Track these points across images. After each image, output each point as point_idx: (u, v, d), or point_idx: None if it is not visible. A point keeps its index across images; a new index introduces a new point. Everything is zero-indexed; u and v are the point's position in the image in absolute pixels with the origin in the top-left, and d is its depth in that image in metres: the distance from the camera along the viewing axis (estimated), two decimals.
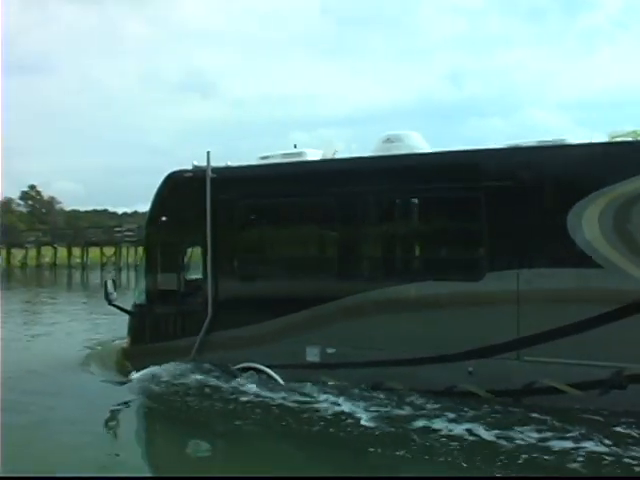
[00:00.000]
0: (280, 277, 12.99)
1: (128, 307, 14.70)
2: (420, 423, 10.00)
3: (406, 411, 10.49)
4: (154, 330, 14.18)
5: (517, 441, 9.20)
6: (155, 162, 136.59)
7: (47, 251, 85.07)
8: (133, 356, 14.16)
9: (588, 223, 10.08)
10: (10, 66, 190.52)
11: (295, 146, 13.70)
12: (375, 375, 11.61)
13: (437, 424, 9.91)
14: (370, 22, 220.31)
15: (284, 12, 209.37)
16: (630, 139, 10.48)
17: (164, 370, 12.93)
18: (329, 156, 13.09)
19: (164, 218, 14.46)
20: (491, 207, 10.88)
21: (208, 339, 13.16)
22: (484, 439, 9.39)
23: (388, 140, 12.54)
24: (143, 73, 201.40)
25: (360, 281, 12.08)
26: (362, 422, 10.22)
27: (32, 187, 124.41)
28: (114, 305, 14.67)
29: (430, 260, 12.18)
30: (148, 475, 8.66)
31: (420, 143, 12.45)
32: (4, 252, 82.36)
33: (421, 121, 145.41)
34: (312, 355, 12.22)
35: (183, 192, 14.13)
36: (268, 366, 12.49)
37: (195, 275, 14.08)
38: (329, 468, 9.17)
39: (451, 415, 10.17)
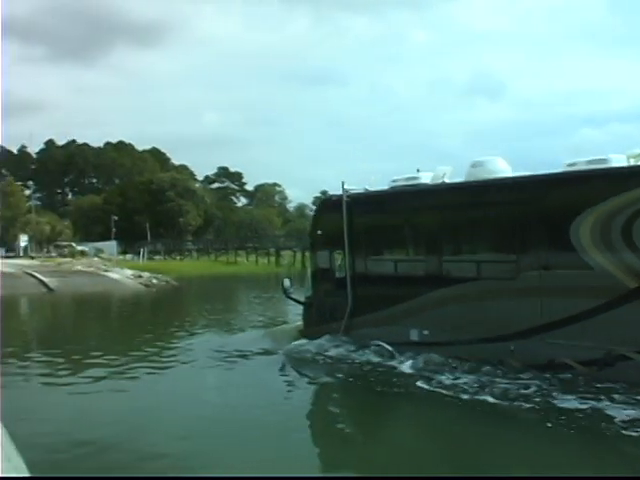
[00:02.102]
0: (393, 276, 18.29)
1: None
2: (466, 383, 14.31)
3: (468, 379, 14.52)
4: (317, 316, 20.00)
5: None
6: (443, 166, 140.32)
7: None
8: (306, 334, 19.83)
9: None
10: (304, 78, 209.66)
11: (418, 170, 18.28)
12: (453, 350, 15.78)
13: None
14: None
15: (566, 7, 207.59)
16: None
17: (320, 342, 18.45)
18: (439, 179, 17.29)
19: (319, 231, 20.57)
20: (523, 224, 15.02)
21: (349, 322, 18.69)
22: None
23: (474, 165, 16.80)
24: (430, 78, 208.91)
25: (442, 280, 16.63)
26: (419, 383, 14.67)
27: (324, 193, 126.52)
28: (290, 297, 21.66)
29: (487, 264, 15.97)
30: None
31: (501, 167, 16.47)
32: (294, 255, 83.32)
33: None
34: (414, 335, 17.00)
35: (330, 212, 19.95)
36: (387, 343, 17.20)
37: (341, 274, 19.40)
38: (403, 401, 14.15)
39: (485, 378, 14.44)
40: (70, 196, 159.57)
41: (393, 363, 16.39)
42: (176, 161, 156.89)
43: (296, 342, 19.30)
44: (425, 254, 17.55)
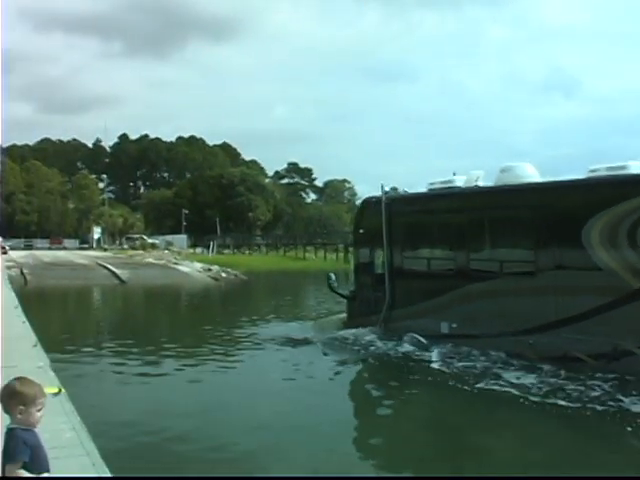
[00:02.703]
0: (426, 273, 19.64)
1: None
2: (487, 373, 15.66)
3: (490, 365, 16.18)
4: (359, 308, 21.74)
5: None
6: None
7: None
8: (349, 324, 21.71)
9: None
10: (375, 74, 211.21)
11: (454, 174, 19.65)
12: (478, 343, 17.11)
13: (506, 375, 15.24)
14: None
15: None
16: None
17: (361, 332, 20.31)
18: (472, 183, 18.68)
19: (361, 230, 22.66)
20: (539, 227, 16.36)
21: (387, 315, 20.35)
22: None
23: (503, 170, 18.09)
24: (504, 74, 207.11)
25: (468, 278, 18.06)
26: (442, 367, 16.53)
27: (394, 189, 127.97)
28: (335, 291, 23.63)
29: (509, 262, 17.24)
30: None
31: (529, 172, 17.68)
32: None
33: None
34: (444, 328, 18.40)
35: (371, 212, 21.58)
36: (420, 335, 18.66)
37: (380, 270, 21.04)
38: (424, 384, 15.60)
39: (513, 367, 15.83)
40: (142, 189, 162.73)
41: (423, 353, 17.92)
42: (246, 156, 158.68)
43: (340, 332, 21.18)
44: (454, 253, 18.94)
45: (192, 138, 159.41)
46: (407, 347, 18.54)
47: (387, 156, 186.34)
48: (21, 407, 4.63)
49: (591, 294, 15.00)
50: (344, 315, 23.08)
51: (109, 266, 59.02)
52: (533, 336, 15.95)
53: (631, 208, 14.34)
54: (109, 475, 6.96)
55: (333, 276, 23.46)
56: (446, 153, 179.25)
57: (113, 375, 17.35)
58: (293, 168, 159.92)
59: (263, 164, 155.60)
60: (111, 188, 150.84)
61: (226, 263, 67.33)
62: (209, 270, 60.97)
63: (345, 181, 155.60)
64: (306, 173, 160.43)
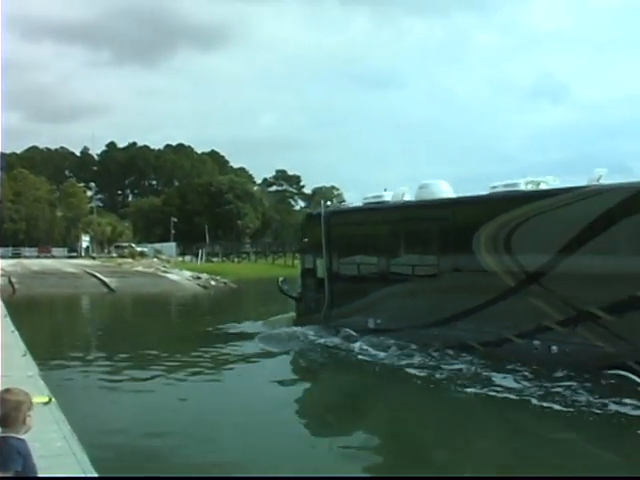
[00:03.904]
0: (356, 278, 22.87)
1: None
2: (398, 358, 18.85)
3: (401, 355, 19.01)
4: (305, 308, 25.10)
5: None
6: (504, 169, 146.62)
7: None
8: (297, 322, 24.88)
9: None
10: (364, 80, 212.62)
11: (385, 190, 22.72)
12: (397, 335, 20.10)
13: (410, 361, 18.39)
14: None
15: (632, 8, 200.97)
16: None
17: (306, 328, 23.28)
18: (398, 198, 21.69)
19: (306, 239, 26.00)
20: (442, 237, 19.53)
21: (327, 313, 23.54)
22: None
23: (421, 187, 21.23)
24: (493, 81, 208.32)
25: (388, 280, 21.33)
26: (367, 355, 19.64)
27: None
28: (285, 293, 26.92)
29: (418, 267, 20.36)
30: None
31: (443, 189, 20.76)
32: None
33: None
34: (370, 324, 21.48)
35: (313, 224, 25.07)
36: (353, 329, 21.80)
37: (321, 275, 24.03)
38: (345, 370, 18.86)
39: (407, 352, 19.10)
40: (130, 197, 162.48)
41: (350, 345, 20.85)
42: (235, 164, 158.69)
43: (287, 328, 24.25)
44: (378, 259, 22.01)
45: (180, 146, 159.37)
46: (340, 340, 21.57)
47: (376, 162, 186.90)
48: (23, 415, 4.68)
49: (479, 292, 18.16)
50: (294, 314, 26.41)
51: (98, 274, 58.89)
52: (438, 329, 19.13)
53: (504, 221, 17.55)
54: (108, 475, 6.98)
55: (283, 279, 27.41)
56: (436, 159, 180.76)
57: (103, 383, 17.30)
58: (281, 175, 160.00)
59: (251, 172, 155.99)
60: (99, 196, 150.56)
61: (215, 271, 67.40)
62: (198, 278, 61.16)
63: (334, 188, 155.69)
64: (294, 180, 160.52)
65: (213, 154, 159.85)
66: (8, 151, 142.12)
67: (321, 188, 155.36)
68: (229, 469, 10.43)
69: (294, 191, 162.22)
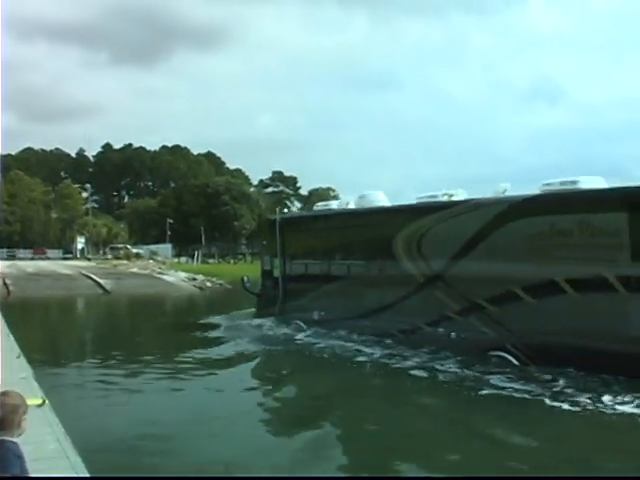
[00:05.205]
0: (304, 275, 26.59)
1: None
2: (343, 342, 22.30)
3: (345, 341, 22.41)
4: (264, 303, 28.80)
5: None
6: (501, 171, 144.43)
7: None
8: (257, 315, 28.70)
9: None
10: (362, 81, 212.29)
11: (335, 198, 30.18)
12: (336, 326, 23.40)
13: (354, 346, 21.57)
14: None
15: (630, 11, 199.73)
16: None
17: (264, 320, 27.29)
18: (343, 206, 25.70)
19: (265, 242, 30.34)
20: (371, 240, 23.07)
21: (281, 308, 27.26)
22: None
23: (360, 197, 24.90)
24: (490, 82, 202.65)
25: (329, 279, 25.02)
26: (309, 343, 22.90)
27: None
28: (248, 290, 30.90)
29: (351, 267, 24.10)
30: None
31: (380, 199, 24.10)
32: None
33: None
34: (315, 316, 24.89)
35: (270, 229, 28.74)
36: (300, 320, 25.23)
37: (277, 274, 27.65)
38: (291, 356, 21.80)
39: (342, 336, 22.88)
40: (126, 199, 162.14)
41: (296, 334, 24.26)
42: (231, 165, 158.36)
43: (250, 321, 28.04)
44: (321, 260, 25.68)
45: (176, 147, 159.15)
46: (289, 330, 25.09)
47: (374, 164, 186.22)
48: (19, 419, 4.69)
49: (398, 288, 21.52)
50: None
51: (93, 276, 58.86)
52: (368, 320, 22.33)
53: (415, 229, 20.99)
54: (106, 475, 6.98)
55: (246, 278, 30.98)
56: (433, 160, 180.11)
57: (96, 385, 17.37)
58: (278, 177, 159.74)
59: (248, 173, 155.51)
60: (95, 198, 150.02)
61: (211, 272, 67.26)
62: (194, 279, 61.37)
63: (330, 189, 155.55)
64: (291, 181, 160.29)
65: (209, 155, 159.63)
66: (4, 152, 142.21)
67: (317, 189, 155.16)
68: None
69: (290, 192, 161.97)
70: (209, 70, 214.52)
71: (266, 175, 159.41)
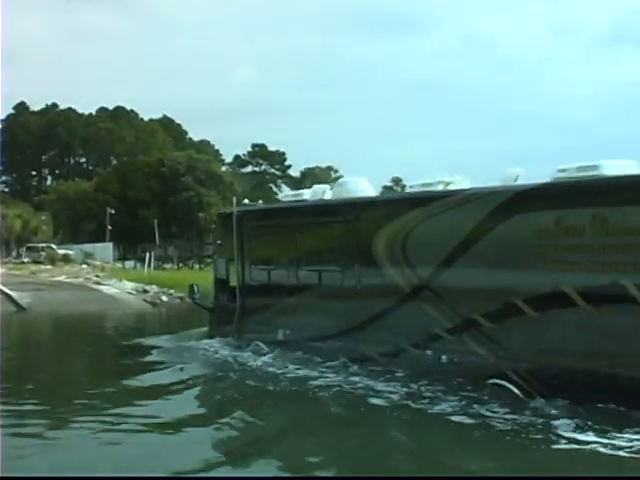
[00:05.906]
0: (267, 285, 27.02)
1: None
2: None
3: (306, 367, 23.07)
4: (218, 319, 29.52)
5: None
6: (566, 144, 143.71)
7: None
8: (210, 334, 29.32)
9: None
10: (375, 23, 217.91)
11: (308, 187, 28.35)
12: (303, 348, 24.05)
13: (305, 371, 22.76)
14: None
15: None
16: None
17: (217, 341, 28.05)
18: (318, 196, 25.63)
19: (219, 242, 31.44)
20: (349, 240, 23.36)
21: (239, 325, 27.65)
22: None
23: (338, 185, 27.19)
24: (552, 24, 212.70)
25: (295, 288, 25.26)
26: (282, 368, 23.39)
27: (396, 181, 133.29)
28: (196, 303, 32.11)
29: (320, 272, 24.50)
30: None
31: (363, 187, 24.54)
32: None
33: None
34: (280, 335, 25.49)
35: (225, 225, 29.62)
36: (262, 341, 25.84)
37: (233, 282, 28.31)
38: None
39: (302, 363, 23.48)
40: (49, 181, 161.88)
41: (257, 359, 24.69)
42: (195, 136, 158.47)
43: (194, 342, 28.83)
44: (287, 265, 25.94)
45: (120, 110, 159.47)
46: (246, 353, 25.69)
47: (388, 135, 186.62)
48: None
49: (379, 300, 22.11)
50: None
51: (1, 287, 57.76)
52: (342, 340, 23.00)
53: (398, 226, 21.35)
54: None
55: (196, 288, 31.71)
56: (469, 130, 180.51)
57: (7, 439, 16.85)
58: (259, 152, 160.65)
59: (218, 146, 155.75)
60: (4, 178, 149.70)
61: (168, 282, 66.70)
62: (144, 292, 61.67)
63: (330, 169, 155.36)
64: (277, 159, 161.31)
65: (166, 122, 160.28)
66: None
67: (313, 169, 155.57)
68: None
69: (277, 173, 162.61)
70: (167, 3, 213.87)
71: (244, 150, 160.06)
